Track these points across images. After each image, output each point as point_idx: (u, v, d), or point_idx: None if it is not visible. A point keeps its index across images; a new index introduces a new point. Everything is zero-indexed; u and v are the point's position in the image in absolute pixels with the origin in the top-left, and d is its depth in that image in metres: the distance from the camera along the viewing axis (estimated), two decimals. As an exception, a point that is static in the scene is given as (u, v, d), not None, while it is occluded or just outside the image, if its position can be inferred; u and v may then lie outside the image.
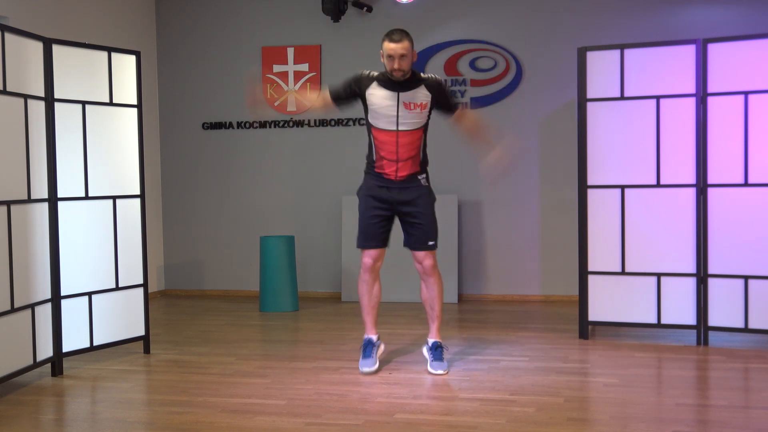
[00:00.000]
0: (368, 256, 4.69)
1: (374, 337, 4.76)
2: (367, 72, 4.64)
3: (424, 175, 4.69)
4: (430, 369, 4.62)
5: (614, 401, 4.01)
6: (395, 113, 4.54)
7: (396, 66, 4.46)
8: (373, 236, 4.68)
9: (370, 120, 4.63)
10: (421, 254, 4.66)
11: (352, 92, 4.65)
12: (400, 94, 4.53)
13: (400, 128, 4.55)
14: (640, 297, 5.32)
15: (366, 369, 4.60)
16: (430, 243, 4.64)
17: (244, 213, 7.67)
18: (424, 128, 4.64)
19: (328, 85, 4.79)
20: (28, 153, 4.46)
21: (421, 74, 4.62)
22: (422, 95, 4.55)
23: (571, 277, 6.62)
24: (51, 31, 5.81)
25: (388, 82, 4.55)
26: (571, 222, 6.60)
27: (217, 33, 7.67)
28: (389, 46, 4.46)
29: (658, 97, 5.23)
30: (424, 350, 4.78)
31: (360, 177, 4.81)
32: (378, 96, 4.56)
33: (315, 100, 4.83)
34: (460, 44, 7.21)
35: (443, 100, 4.65)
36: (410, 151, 4.59)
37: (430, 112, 4.63)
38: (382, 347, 4.85)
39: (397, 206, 4.66)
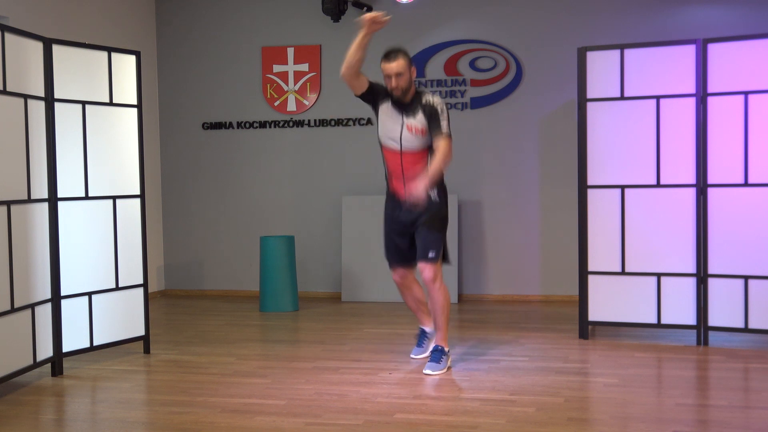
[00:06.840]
0: (396, 274, 4.84)
1: (427, 328, 4.94)
2: (387, 87, 4.57)
3: (435, 190, 4.59)
4: (424, 369, 4.65)
5: (614, 401, 4.01)
6: (399, 134, 4.55)
7: (394, 85, 4.48)
8: (394, 255, 4.80)
9: (379, 136, 4.65)
10: (420, 265, 4.63)
11: (372, 95, 4.61)
12: (405, 117, 4.53)
13: (403, 149, 4.56)
14: (640, 297, 5.32)
15: (412, 355, 4.94)
16: (430, 255, 4.57)
17: (244, 213, 7.67)
18: (429, 148, 4.58)
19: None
20: (28, 153, 4.46)
21: (424, 97, 4.53)
22: (420, 120, 4.52)
23: (571, 277, 6.63)
24: (51, 31, 5.81)
25: (396, 101, 4.56)
26: (571, 222, 6.60)
27: (217, 33, 7.67)
28: (385, 67, 4.48)
29: (658, 97, 5.23)
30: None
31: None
32: (387, 114, 4.58)
33: (355, 50, 4.42)
34: (460, 44, 7.21)
35: (431, 123, 4.50)
36: (415, 170, 4.55)
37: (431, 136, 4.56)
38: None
39: (409, 225, 4.67)
